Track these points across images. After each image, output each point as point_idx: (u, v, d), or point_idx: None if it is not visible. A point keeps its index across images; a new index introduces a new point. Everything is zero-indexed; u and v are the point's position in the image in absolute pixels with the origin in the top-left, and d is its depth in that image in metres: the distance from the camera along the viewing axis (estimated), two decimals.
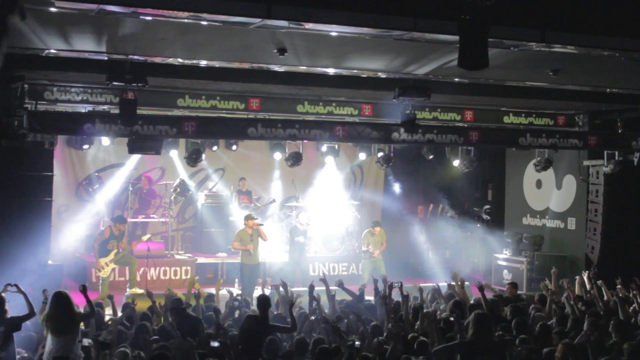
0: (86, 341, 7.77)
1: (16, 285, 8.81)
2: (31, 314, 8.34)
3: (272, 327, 8.63)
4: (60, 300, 7.92)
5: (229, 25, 7.92)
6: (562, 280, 11.55)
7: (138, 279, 14.34)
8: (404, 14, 7.74)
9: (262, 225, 14.42)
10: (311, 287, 10.37)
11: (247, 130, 12.19)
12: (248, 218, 14.38)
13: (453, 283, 11.36)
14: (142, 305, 10.45)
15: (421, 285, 11.67)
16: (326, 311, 10.07)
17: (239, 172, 17.67)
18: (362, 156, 17.72)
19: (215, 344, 7.73)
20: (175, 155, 15.85)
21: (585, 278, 11.79)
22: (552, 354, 7.30)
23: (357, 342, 7.71)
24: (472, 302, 10.39)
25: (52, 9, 7.26)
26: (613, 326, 8.36)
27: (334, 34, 8.33)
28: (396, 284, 10.43)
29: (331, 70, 11.36)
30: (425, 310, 9.32)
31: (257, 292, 12.12)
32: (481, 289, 10.05)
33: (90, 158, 16.43)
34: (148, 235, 14.82)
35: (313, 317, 9.46)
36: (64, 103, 12.05)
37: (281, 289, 10.77)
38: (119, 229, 13.89)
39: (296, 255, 15.67)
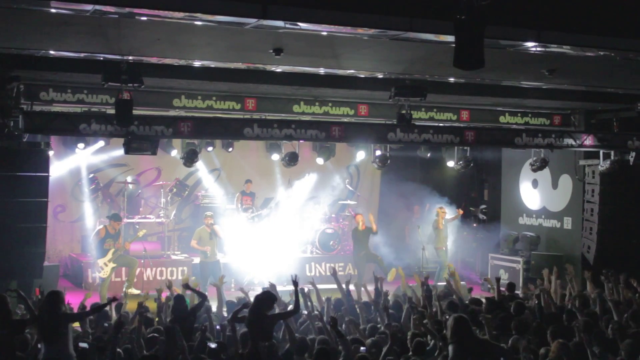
0: (82, 345, 7.75)
1: (16, 291, 8.77)
2: (34, 318, 8.27)
3: (272, 317, 8.38)
4: (50, 301, 7.85)
5: (225, 26, 7.92)
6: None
7: (135, 279, 14.30)
8: (399, 14, 7.74)
9: (215, 224, 14.43)
10: (296, 284, 10.25)
11: (243, 131, 12.20)
12: (206, 217, 14.44)
13: (451, 281, 11.45)
14: (134, 306, 10.39)
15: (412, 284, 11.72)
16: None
17: (236, 172, 17.63)
18: (359, 155, 17.69)
19: (214, 345, 7.71)
20: (175, 154, 15.77)
21: (587, 280, 11.81)
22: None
23: (362, 348, 7.63)
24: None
25: (48, 10, 7.24)
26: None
27: (329, 34, 8.33)
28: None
29: (327, 70, 11.35)
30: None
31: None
32: (498, 280, 10.75)
33: (85, 158, 16.36)
34: (144, 231, 14.69)
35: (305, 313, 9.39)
36: (59, 103, 12.04)
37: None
38: (114, 227, 13.82)
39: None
